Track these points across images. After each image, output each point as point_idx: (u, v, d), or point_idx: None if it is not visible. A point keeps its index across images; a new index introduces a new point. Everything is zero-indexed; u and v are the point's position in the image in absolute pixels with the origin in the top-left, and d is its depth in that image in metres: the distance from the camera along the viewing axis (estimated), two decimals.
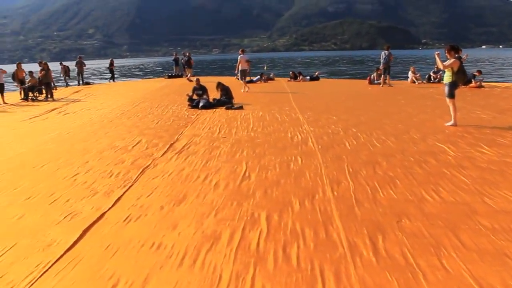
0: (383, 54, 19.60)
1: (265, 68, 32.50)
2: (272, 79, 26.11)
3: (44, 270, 3.81)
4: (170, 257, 3.93)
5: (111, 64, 32.03)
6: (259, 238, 4.23)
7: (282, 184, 5.90)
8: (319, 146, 7.99)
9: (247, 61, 20.01)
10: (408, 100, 14.70)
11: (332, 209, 4.90)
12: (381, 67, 20.09)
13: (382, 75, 20.05)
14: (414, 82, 21.32)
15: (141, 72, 61.86)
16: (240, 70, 19.69)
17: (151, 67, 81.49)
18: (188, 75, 27.33)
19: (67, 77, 28.76)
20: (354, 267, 3.63)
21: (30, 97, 20.57)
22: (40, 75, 20.69)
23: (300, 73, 25.75)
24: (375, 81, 21.19)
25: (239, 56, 19.76)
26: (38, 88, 20.92)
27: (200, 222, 4.68)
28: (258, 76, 25.13)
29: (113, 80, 31.88)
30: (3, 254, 4.16)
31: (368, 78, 22.03)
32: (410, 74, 22.15)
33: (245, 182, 6.05)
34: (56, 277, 3.68)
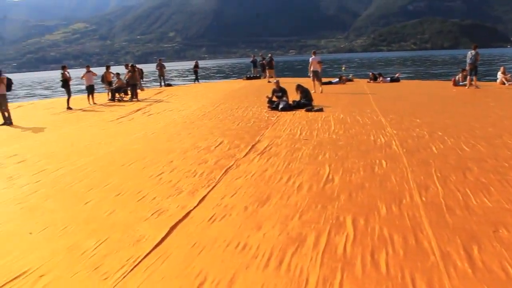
0: (470, 53, 18.60)
1: (343, 69, 32.03)
2: (351, 80, 25.62)
3: (135, 264, 3.96)
4: (256, 257, 3.94)
5: (196, 66, 32.90)
6: (345, 243, 4.14)
7: (367, 187, 5.74)
8: (404, 150, 7.72)
9: (319, 62, 20.01)
10: (498, 102, 13.86)
11: (421, 215, 4.70)
12: (467, 67, 19.07)
13: (469, 76, 19.00)
14: (504, 84, 20.07)
15: (219, 74, 63.11)
16: (312, 71, 19.79)
17: (229, 68, 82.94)
18: (267, 76, 27.50)
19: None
20: (448, 277, 3.45)
21: (116, 98, 21.62)
22: (127, 76, 21.71)
23: (380, 74, 25.07)
24: (460, 83, 20.13)
25: (311, 58, 19.94)
26: (124, 89, 21.93)
27: (285, 224, 4.66)
28: (337, 79, 24.71)
29: (198, 81, 32.73)
30: (97, 246, 4.38)
31: (452, 79, 20.98)
32: (499, 74, 20.86)
33: (329, 184, 5.96)
34: (146, 272, 3.80)
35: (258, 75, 31.02)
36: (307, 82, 19.07)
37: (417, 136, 8.89)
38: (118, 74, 22.50)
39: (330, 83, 23.80)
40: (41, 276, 3.85)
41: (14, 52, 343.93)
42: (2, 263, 4.13)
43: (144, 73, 30.77)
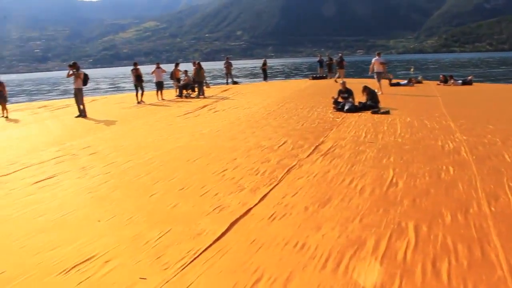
0: None
1: (411, 70, 31.08)
2: (420, 82, 24.79)
3: (195, 256, 4.08)
4: (314, 258, 3.95)
5: (264, 64, 33.12)
6: (406, 249, 4.05)
7: (432, 194, 5.58)
8: (474, 157, 7.41)
9: (382, 63, 19.80)
10: None
11: (489, 226, 4.51)
12: None
13: None
14: None
15: (285, 73, 63.14)
16: (375, 72, 19.63)
17: (295, 67, 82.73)
18: (336, 76, 27.21)
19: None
20: None
21: (184, 94, 22.21)
22: (193, 74, 22.28)
23: (451, 77, 24.05)
24: None
25: (374, 59, 19.86)
26: (191, 86, 22.48)
27: (345, 226, 4.63)
28: (406, 81, 24.01)
29: (266, 80, 32.92)
30: (160, 237, 4.55)
31: None
32: None
33: (392, 189, 5.84)
34: (205, 265, 3.91)
35: (324, 75, 30.77)
36: (373, 83, 18.77)
37: (488, 143, 8.51)
38: (186, 72, 23.10)
39: (398, 84, 23.21)
40: (106, 261, 4.06)
41: (90, 49, 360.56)
42: (73, 247, 4.40)
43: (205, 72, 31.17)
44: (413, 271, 3.65)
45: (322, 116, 12.96)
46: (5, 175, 7.67)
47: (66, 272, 3.89)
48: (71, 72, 15.91)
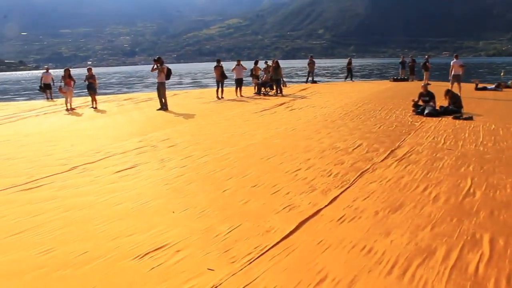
0: None
1: (501, 74, 29.39)
2: (510, 87, 23.30)
3: (262, 252, 4.18)
4: (380, 263, 3.91)
5: (349, 63, 32.67)
6: (478, 262, 3.91)
7: None
8: None
9: (461, 66, 19.17)
10: None
11: None
12: None
13: None
14: None
15: (365, 73, 61.94)
16: (453, 75, 19.11)
17: (376, 68, 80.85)
18: (424, 79, 26.32)
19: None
20: None
21: (262, 92, 22.49)
22: (271, 72, 22.47)
23: None
24: None
25: (452, 61, 19.44)
26: (270, 84, 22.70)
27: (415, 233, 4.54)
28: (493, 85, 22.71)
29: (351, 79, 32.41)
30: (230, 231, 4.70)
31: None
32: None
33: (469, 199, 5.63)
34: (271, 261, 4.00)
35: (405, 77, 29.86)
36: (457, 87, 18.02)
37: None
38: (265, 69, 23.36)
39: (485, 88, 22.07)
40: (177, 251, 4.27)
41: (175, 45, 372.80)
42: (148, 235, 4.67)
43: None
44: (485, 285, 3.53)
45: (400, 119, 12.64)
46: (91, 163, 8.23)
47: (140, 258, 4.13)
48: (155, 66, 16.63)
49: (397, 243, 4.33)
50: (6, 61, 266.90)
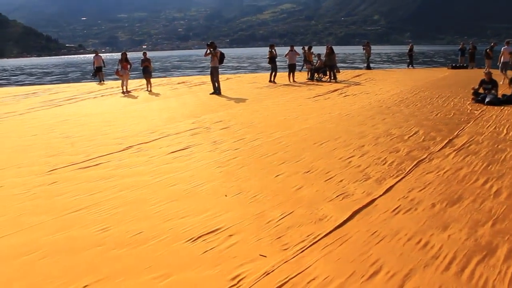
0: None
1: None
2: None
3: (314, 241, 4.12)
4: (436, 258, 3.77)
5: (410, 49, 31.67)
6: None
7: None
8: None
9: (511, 53, 18.34)
10: None
11: None
12: None
13: None
14: None
15: (421, 61, 60.08)
16: (502, 62, 18.51)
17: (433, 55, 78.25)
18: (486, 67, 25.20)
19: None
20: None
21: (315, 78, 22.25)
22: (325, 58, 22.18)
23: None
24: None
25: (503, 48, 18.71)
26: (323, 69, 22.41)
27: (474, 229, 4.34)
28: None
29: (412, 66, 31.46)
30: (282, 218, 4.66)
31: None
32: None
33: None
34: (323, 250, 3.93)
35: (464, 65, 28.70)
36: None
37: None
38: (319, 55, 23.07)
39: None
40: (230, 235, 4.27)
41: (228, 29, 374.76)
42: (201, 218, 4.71)
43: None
44: None
45: (459, 107, 12.15)
46: (146, 143, 8.46)
47: (193, 241, 4.17)
48: (208, 51, 16.74)
49: (455, 238, 4.15)
50: (67, 45, 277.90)
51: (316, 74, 22.43)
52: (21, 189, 5.92)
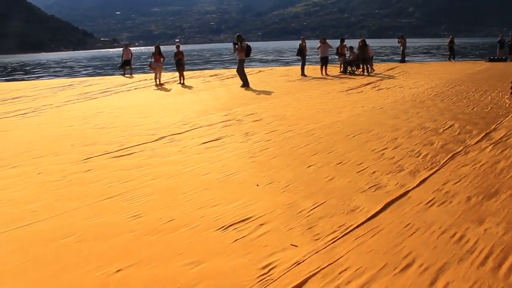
0: None
1: None
2: None
3: (346, 232, 4.07)
4: (472, 252, 3.66)
5: (451, 42, 30.94)
6: None
7: None
8: None
9: None
10: None
11: None
12: None
13: None
14: None
15: (458, 53, 58.67)
16: None
17: (470, 48, 76.31)
18: None
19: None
20: None
21: (348, 71, 22.01)
22: (358, 51, 21.91)
23: None
24: None
25: None
26: (356, 62, 22.14)
27: None
28: None
29: (453, 59, 30.72)
30: (314, 208, 4.64)
31: None
32: None
33: None
34: (355, 242, 3.88)
35: (503, 57, 27.86)
36: None
37: None
38: (352, 48, 22.78)
39: None
40: (261, 224, 4.27)
41: (260, 23, 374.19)
42: (232, 206, 4.73)
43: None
44: None
45: (496, 101, 11.81)
46: (179, 134, 8.57)
47: (224, 229, 4.19)
48: (236, 47, 16.76)
49: (492, 232, 4.04)
50: (102, 39, 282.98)
51: (349, 67, 22.19)
52: (58, 176, 6.10)
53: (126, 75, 25.31)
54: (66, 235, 4.18)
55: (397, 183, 5.36)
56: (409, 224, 4.22)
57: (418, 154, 6.65)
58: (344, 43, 23.02)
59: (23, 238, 4.17)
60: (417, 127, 8.63)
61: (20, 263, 3.70)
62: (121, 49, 27.85)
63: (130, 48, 26.50)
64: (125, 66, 25.54)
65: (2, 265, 3.70)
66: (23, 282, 3.44)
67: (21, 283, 3.42)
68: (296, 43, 23.35)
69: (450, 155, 6.56)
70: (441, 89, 14.66)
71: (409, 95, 13.38)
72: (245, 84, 16.91)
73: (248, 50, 17.11)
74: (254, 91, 15.69)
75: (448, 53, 31.38)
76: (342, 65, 22.53)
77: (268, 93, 14.89)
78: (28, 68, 59.48)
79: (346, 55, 22.77)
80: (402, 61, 29.12)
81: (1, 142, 7.10)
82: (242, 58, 17.00)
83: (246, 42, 17.14)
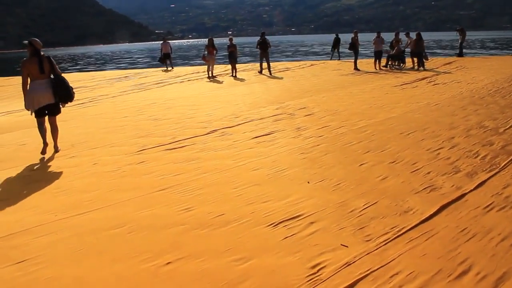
0: None
1: None
2: None
3: (399, 233, 3.97)
4: None
5: None
6: None
7: None
8: None
9: None
10: None
11: None
12: None
13: None
14: None
15: None
16: None
17: None
18: None
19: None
20: None
21: (389, 65, 21.30)
22: (412, 45, 21.20)
23: None
24: None
25: None
26: (402, 57, 21.39)
27: None
28: None
29: None
30: (366, 208, 4.55)
31: None
32: None
33: None
34: (408, 244, 3.78)
35: None
36: None
37: None
38: (408, 34, 22.13)
39: None
40: (311, 222, 4.23)
41: (313, 15, 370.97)
42: (282, 203, 4.71)
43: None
44: None
45: None
46: (230, 127, 8.62)
47: (274, 226, 4.18)
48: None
49: None
50: (156, 31, 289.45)
51: (390, 61, 21.45)
52: (112, 167, 6.28)
53: (168, 68, 25.65)
54: (118, 225, 4.30)
55: (453, 185, 5.17)
56: (465, 228, 4.06)
57: (476, 155, 6.38)
58: (398, 37, 22.34)
59: (79, 226, 4.33)
60: (476, 125, 8.28)
61: (76, 250, 3.86)
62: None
63: (169, 42, 26.72)
64: (165, 60, 25.85)
65: (61, 250, 3.88)
66: (79, 269, 3.57)
67: (77, 270, 3.55)
68: (348, 37, 22.95)
69: (511, 157, 6.25)
70: (502, 84, 14.01)
71: (467, 91, 12.87)
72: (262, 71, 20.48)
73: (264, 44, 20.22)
74: (306, 84, 15.57)
75: None
76: (386, 59, 21.89)
77: (320, 87, 14.73)
78: (91, 59, 61.66)
79: (401, 46, 21.99)
80: (460, 55, 28.09)
81: (60, 132, 7.37)
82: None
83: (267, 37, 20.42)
